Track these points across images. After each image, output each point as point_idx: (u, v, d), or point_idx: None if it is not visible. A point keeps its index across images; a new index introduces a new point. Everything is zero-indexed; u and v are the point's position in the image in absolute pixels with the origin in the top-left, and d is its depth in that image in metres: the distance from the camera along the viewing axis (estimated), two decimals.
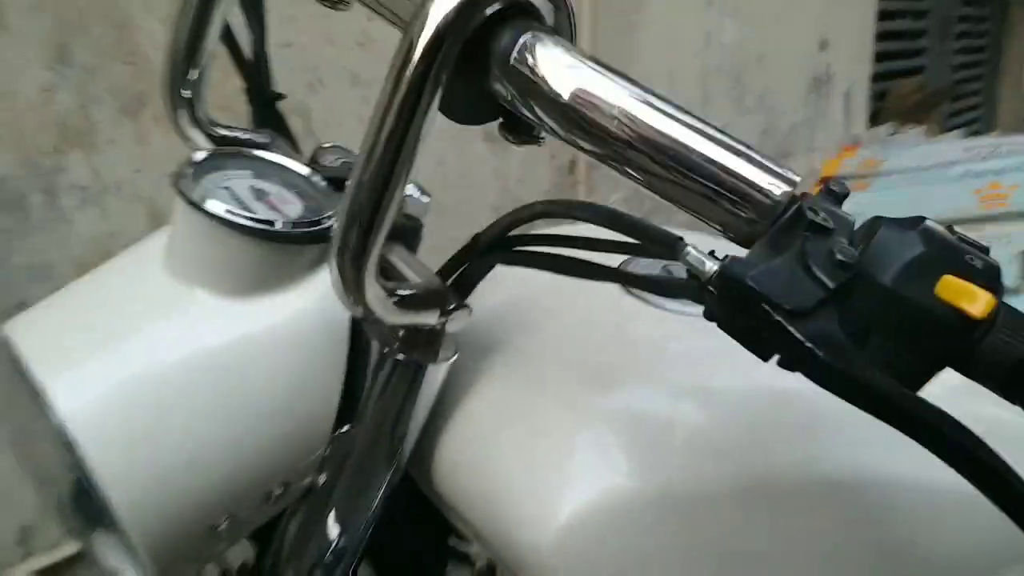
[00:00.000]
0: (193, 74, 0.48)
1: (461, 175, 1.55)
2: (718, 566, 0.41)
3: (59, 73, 1.03)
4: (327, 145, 0.52)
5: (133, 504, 0.39)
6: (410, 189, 0.48)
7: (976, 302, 0.28)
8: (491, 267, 0.46)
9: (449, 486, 0.45)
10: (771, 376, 0.30)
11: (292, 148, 0.53)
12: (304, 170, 0.47)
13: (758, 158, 0.32)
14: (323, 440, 0.43)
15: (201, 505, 0.41)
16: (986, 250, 0.30)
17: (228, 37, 0.52)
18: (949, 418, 0.27)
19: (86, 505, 0.41)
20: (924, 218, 0.31)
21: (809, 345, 0.27)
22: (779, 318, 0.28)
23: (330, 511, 0.45)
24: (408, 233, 0.46)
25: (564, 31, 0.36)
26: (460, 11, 0.33)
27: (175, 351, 0.41)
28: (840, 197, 0.32)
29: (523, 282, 0.46)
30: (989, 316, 0.27)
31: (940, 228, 0.30)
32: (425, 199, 0.48)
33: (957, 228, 0.31)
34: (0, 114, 0.99)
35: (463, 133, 1.54)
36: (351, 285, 0.36)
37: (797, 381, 0.28)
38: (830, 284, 0.28)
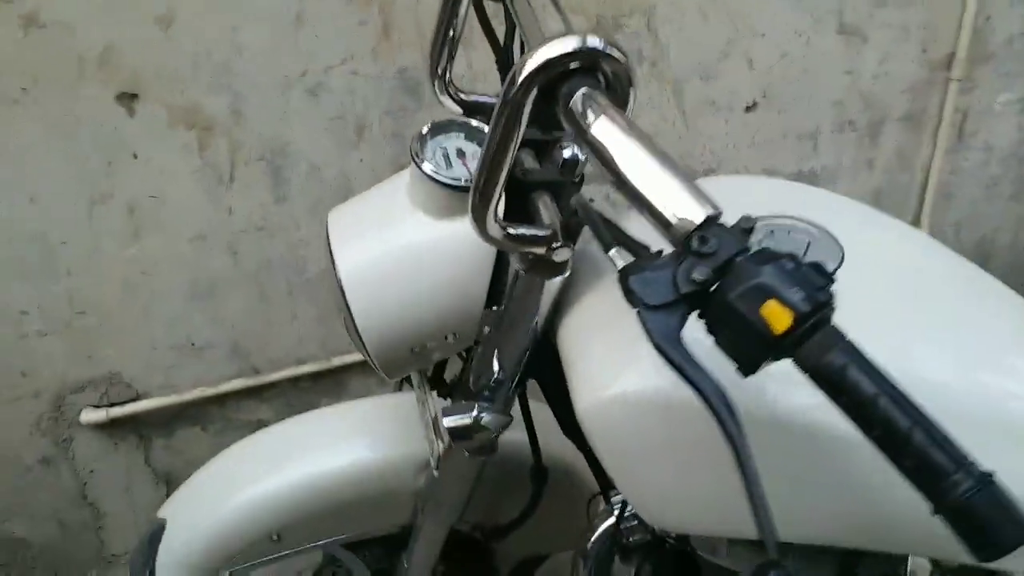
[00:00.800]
0: (445, 53, 0.71)
1: (804, 70, 1.57)
2: (701, 467, 0.58)
3: None
4: None
5: (369, 328, 0.68)
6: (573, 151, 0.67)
7: (780, 323, 0.41)
8: (582, 225, 0.63)
9: (562, 349, 0.67)
10: None
11: None
12: None
13: (687, 192, 0.46)
14: (479, 311, 0.68)
15: (405, 334, 0.69)
16: (822, 286, 0.41)
17: (483, 18, 0.74)
18: (710, 384, 0.41)
19: (353, 326, 0.71)
20: (790, 255, 0.43)
21: (649, 328, 0.43)
22: (638, 307, 0.44)
23: (493, 351, 0.70)
24: (558, 185, 0.65)
25: (619, 90, 0.52)
26: (543, 65, 0.51)
27: (402, 244, 0.68)
28: (746, 231, 0.45)
29: None
30: (787, 332, 0.40)
31: (790, 265, 0.42)
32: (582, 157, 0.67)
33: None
34: (408, 15, 1.33)
35: (815, 25, 1.55)
36: (479, 221, 0.58)
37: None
38: (681, 291, 0.43)
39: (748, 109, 1.57)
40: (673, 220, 0.45)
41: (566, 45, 0.50)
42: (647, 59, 1.46)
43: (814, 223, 0.64)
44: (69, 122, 1.22)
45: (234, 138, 1.31)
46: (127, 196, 1.28)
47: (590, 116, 0.50)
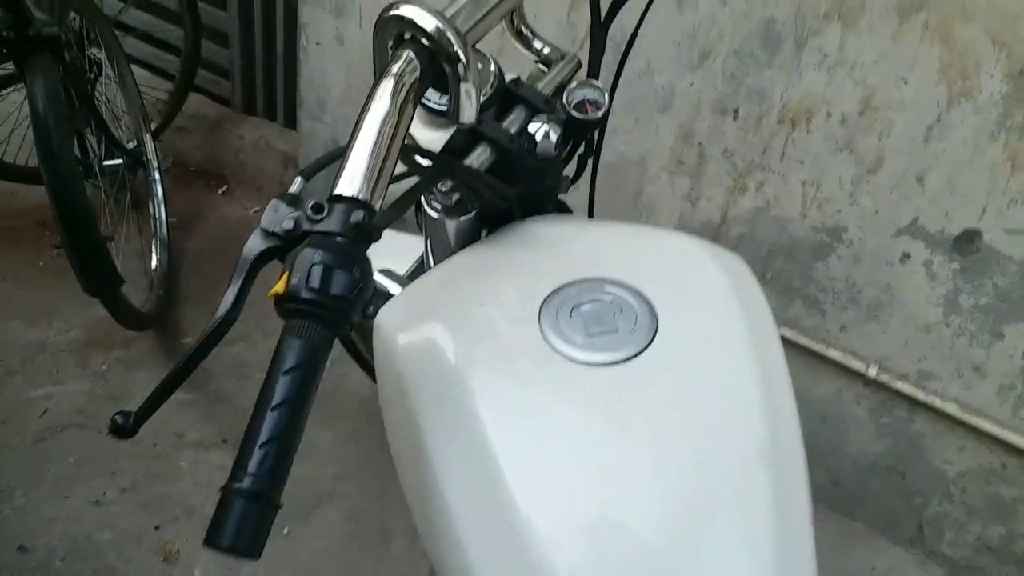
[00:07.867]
0: None
1: None
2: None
3: None
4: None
5: None
6: None
7: (279, 287, 0.49)
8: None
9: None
10: None
11: None
12: None
13: (362, 171, 0.52)
14: None
15: None
16: (319, 297, 0.47)
17: None
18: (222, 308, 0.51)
19: None
20: (347, 257, 0.48)
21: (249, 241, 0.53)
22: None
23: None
24: (506, 140, 0.70)
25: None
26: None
27: None
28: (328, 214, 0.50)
29: None
30: (284, 294, 0.48)
31: (320, 258, 0.48)
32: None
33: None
34: None
35: None
36: None
37: None
38: (273, 230, 0.51)
39: None
40: (339, 181, 0.52)
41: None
42: None
43: (637, 291, 0.61)
44: None
45: None
46: None
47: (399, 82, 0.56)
